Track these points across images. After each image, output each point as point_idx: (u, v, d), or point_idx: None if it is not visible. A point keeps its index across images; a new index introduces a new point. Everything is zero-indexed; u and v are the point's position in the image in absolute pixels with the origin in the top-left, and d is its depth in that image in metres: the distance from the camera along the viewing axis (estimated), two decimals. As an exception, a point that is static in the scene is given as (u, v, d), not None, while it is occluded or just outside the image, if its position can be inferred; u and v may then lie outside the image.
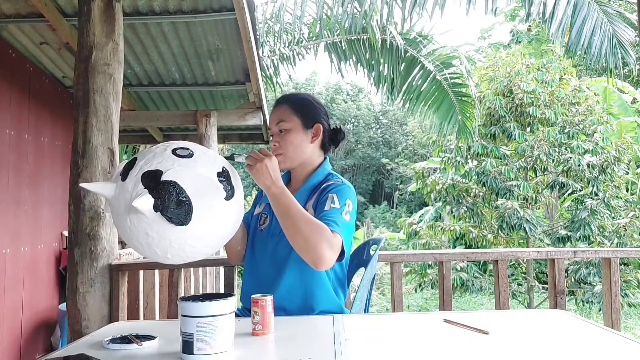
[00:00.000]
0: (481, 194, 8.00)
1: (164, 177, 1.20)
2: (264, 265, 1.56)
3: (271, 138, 1.62)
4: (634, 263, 8.09)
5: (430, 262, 7.47)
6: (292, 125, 1.57)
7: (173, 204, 1.19)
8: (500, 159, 7.95)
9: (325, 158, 1.67)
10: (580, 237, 7.40)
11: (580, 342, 1.19)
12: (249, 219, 1.68)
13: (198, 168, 1.25)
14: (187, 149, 1.29)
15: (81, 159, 2.26)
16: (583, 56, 5.40)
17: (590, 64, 5.54)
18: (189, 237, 1.22)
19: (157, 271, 2.86)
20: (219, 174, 1.27)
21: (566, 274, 7.03)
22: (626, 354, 1.09)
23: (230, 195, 1.28)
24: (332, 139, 1.67)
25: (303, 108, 1.60)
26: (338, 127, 1.68)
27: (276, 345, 1.21)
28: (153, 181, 1.19)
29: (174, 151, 1.26)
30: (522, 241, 7.93)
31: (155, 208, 1.18)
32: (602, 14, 5.31)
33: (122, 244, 5.10)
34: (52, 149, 4.11)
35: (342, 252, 1.43)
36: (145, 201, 1.16)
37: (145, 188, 1.18)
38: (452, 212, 8.31)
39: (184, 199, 1.20)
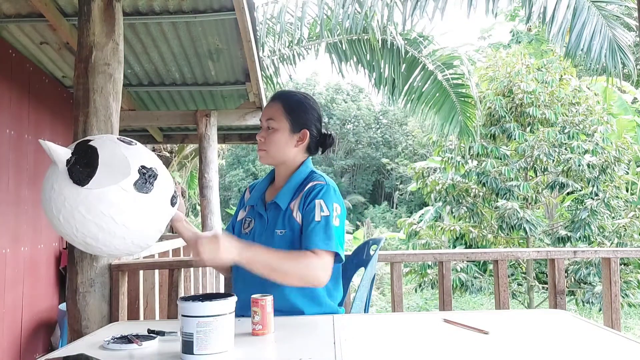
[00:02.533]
0: (481, 194, 8.00)
1: (91, 143, 1.33)
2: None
3: (260, 130, 1.65)
4: (634, 263, 8.08)
5: (430, 262, 7.48)
6: (280, 126, 1.59)
7: (82, 163, 1.29)
8: (501, 159, 7.95)
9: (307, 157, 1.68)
10: (580, 237, 7.40)
11: (580, 342, 1.19)
12: (232, 227, 1.71)
13: (127, 152, 1.33)
14: (133, 142, 1.40)
15: (81, 159, 2.25)
16: (583, 56, 5.41)
17: (590, 66, 5.56)
18: (81, 202, 1.26)
19: (157, 271, 2.86)
20: (143, 167, 1.32)
21: (566, 274, 7.03)
22: (626, 354, 1.09)
23: (141, 186, 1.30)
24: (321, 143, 1.67)
25: (295, 111, 1.61)
26: (329, 133, 1.68)
27: (276, 345, 1.21)
28: (82, 145, 1.34)
29: (119, 138, 1.40)
30: (522, 241, 7.93)
31: (67, 162, 1.29)
32: (602, 18, 5.33)
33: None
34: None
35: (338, 256, 1.48)
36: (62, 152, 1.30)
37: (74, 149, 1.33)
38: (452, 212, 8.31)
39: (93, 162, 1.28)
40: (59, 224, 1.31)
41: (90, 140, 1.36)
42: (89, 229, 1.29)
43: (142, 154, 1.38)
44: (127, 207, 1.29)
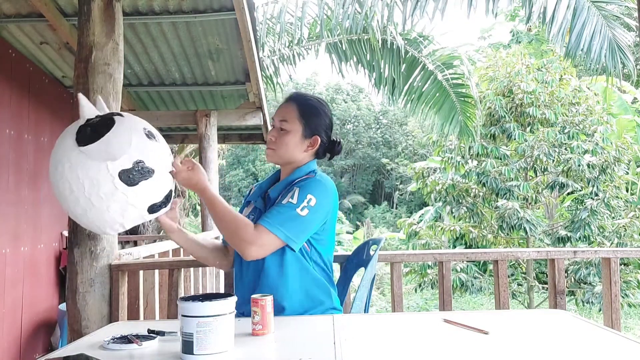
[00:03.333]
0: (481, 194, 8.00)
1: (115, 117, 1.37)
2: (246, 266, 1.58)
3: (271, 127, 1.65)
4: (634, 263, 8.09)
5: (430, 262, 7.48)
6: (292, 128, 1.59)
7: (94, 128, 1.34)
8: (501, 159, 7.95)
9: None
10: (580, 237, 7.40)
11: (580, 342, 1.19)
12: None
13: (138, 142, 1.34)
14: (157, 137, 1.41)
15: (81, 159, 2.25)
16: (583, 57, 5.41)
17: (590, 66, 5.56)
18: (68, 158, 1.34)
19: (157, 271, 2.86)
20: (141, 162, 1.33)
21: (566, 274, 7.03)
22: (626, 354, 1.09)
23: (126, 176, 1.31)
24: (329, 150, 1.68)
25: (309, 116, 1.61)
26: (337, 140, 1.68)
27: (276, 345, 1.21)
28: (108, 115, 1.39)
29: (146, 128, 1.41)
30: (522, 241, 7.93)
31: (87, 121, 1.37)
32: (602, 18, 5.33)
33: (122, 244, 5.11)
34: (52, 148, 4.10)
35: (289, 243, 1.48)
36: (89, 111, 1.39)
37: (101, 115, 1.39)
38: (452, 212, 8.31)
39: (101, 133, 1.31)
40: (51, 168, 1.41)
41: (119, 115, 1.39)
42: (64, 186, 1.36)
43: (152, 151, 1.37)
44: (102, 187, 1.32)
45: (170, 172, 1.44)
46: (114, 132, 1.34)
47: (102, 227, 1.41)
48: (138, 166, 1.33)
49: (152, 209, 1.40)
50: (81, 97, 1.43)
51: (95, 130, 1.34)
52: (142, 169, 1.33)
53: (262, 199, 1.64)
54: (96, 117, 1.39)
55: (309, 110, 1.61)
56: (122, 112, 1.44)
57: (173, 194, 1.48)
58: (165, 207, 1.45)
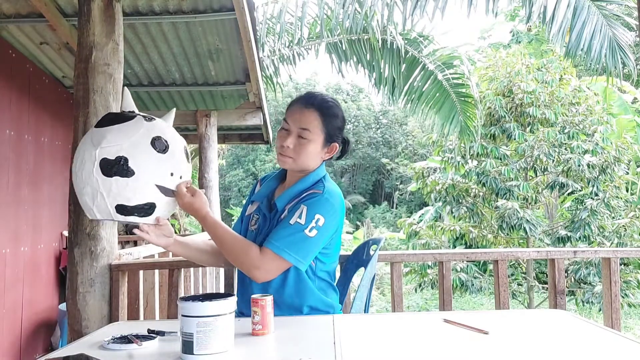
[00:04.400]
0: (481, 194, 8.00)
1: (142, 115, 1.46)
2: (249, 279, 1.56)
3: (284, 131, 1.55)
4: (634, 263, 8.09)
5: (430, 262, 7.47)
6: (314, 138, 1.52)
7: (112, 117, 1.44)
8: (500, 159, 7.94)
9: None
10: (580, 237, 7.40)
11: (580, 342, 1.19)
12: (241, 220, 1.71)
13: (137, 141, 1.38)
14: (166, 147, 1.41)
15: (81, 159, 2.25)
16: (583, 56, 5.41)
17: (590, 66, 5.56)
18: (86, 134, 1.45)
19: (157, 271, 2.86)
20: (124, 159, 1.35)
21: (566, 274, 7.03)
22: (626, 354, 1.09)
23: (105, 165, 1.35)
24: (341, 151, 1.64)
25: (331, 124, 1.55)
26: (347, 139, 1.65)
27: (276, 345, 1.21)
28: (138, 114, 1.46)
29: (157, 138, 1.41)
30: (522, 241, 7.92)
31: (113, 112, 1.53)
32: (602, 17, 5.32)
33: (122, 244, 5.11)
34: (52, 149, 4.11)
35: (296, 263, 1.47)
36: (127, 104, 1.51)
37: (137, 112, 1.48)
38: (452, 212, 8.31)
39: (115, 121, 1.41)
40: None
41: (150, 119, 1.44)
42: (75, 157, 1.44)
43: (144, 159, 1.37)
44: (85, 167, 1.37)
45: (173, 194, 1.43)
46: (122, 126, 1.39)
47: (83, 206, 1.45)
48: (120, 162, 1.35)
49: (122, 210, 1.38)
50: (125, 91, 1.53)
51: (112, 119, 1.43)
52: (122, 166, 1.35)
53: (268, 202, 1.62)
54: (130, 111, 1.47)
55: (330, 118, 1.55)
56: (156, 118, 1.47)
57: (157, 211, 1.43)
58: (142, 217, 1.42)
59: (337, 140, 1.59)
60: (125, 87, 1.54)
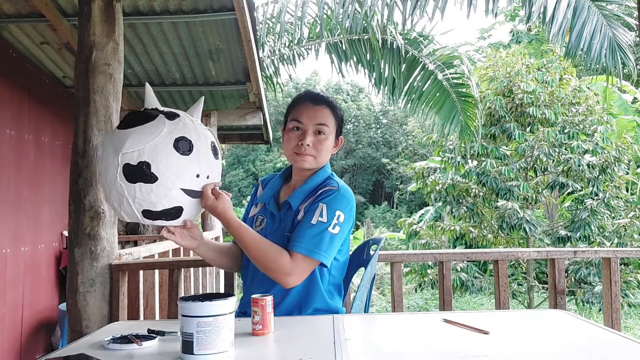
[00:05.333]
0: (481, 194, 8.00)
1: (169, 113, 1.41)
2: (257, 281, 1.57)
3: (296, 131, 1.55)
4: (634, 263, 8.08)
5: (430, 262, 7.48)
6: (330, 132, 1.57)
7: (133, 117, 1.39)
8: (501, 159, 7.95)
9: None
10: (580, 237, 7.40)
11: (580, 342, 1.19)
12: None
13: (160, 146, 1.33)
14: (189, 149, 1.36)
15: (81, 159, 2.26)
16: (583, 57, 5.41)
17: (590, 66, 5.56)
18: (107, 135, 1.45)
19: (157, 271, 2.86)
20: (146, 165, 1.32)
21: (566, 274, 7.04)
22: (626, 354, 1.09)
23: (127, 171, 1.32)
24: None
25: (340, 118, 1.62)
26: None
27: (276, 345, 1.21)
28: (163, 111, 1.40)
29: (181, 139, 1.36)
30: (522, 241, 7.93)
31: (135, 111, 1.42)
32: (602, 17, 5.33)
33: (122, 244, 5.11)
34: (53, 148, 4.11)
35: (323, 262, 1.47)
36: (150, 102, 1.45)
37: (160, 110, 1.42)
38: (452, 212, 8.31)
39: (135, 123, 1.36)
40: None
41: (174, 116, 1.39)
42: (101, 154, 1.43)
43: (167, 163, 1.33)
44: (109, 172, 1.35)
45: (200, 195, 1.40)
46: (144, 127, 1.34)
47: (112, 208, 1.45)
48: (142, 167, 1.31)
49: (149, 214, 1.37)
50: (147, 87, 1.47)
51: (132, 120, 1.38)
52: (145, 171, 1.31)
53: (275, 202, 1.62)
54: (153, 109, 1.41)
55: (339, 112, 1.62)
56: (181, 114, 1.41)
57: (185, 213, 1.40)
58: (170, 221, 1.40)
59: (341, 134, 1.64)
60: (147, 84, 1.48)
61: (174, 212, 1.38)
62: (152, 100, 1.44)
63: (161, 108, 1.42)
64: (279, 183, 1.67)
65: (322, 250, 1.44)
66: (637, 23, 5.30)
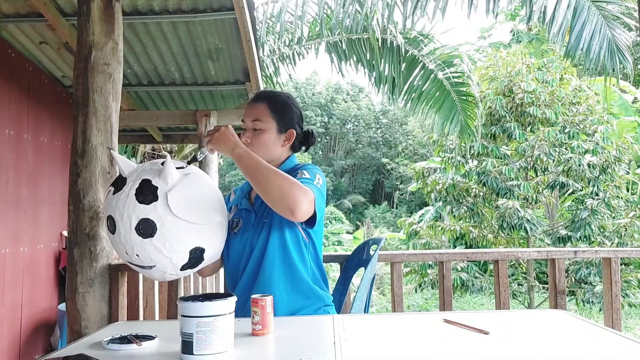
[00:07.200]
0: (482, 193, 8.00)
1: (183, 169, 1.45)
2: (242, 267, 1.56)
3: (243, 131, 1.63)
4: (635, 263, 8.09)
5: (430, 262, 7.48)
6: (267, 127, 1.59)
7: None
8: (501, 158, 7.95)
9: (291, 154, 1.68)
10: (580, 237, 7.40)
11: (580, 342, 1.18)
12: None
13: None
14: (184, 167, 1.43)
15: (81, 159, 2.25)
16: (583, 56, 5.41)
17: (589, 66, 5.57)
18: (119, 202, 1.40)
19: (156, 271, 2.85)
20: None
21: (566, 274, 7.03)
22: (626, 354, 1.08)
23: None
24: (304, 141, 1.68)
25: (281, 111, 1.61)
26: (310, 131, 1.69)
27: (276, 345, 1.20)
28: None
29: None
30: (522, 241, 7.93)
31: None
32: (601, 18, 5.33)
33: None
34: (52, 148, 4.10)
35: (314, 218, 1.41)
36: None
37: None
38: (452, 212, 8.31)
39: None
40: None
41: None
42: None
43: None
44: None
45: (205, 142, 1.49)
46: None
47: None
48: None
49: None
50: (114, 155, 1.52)
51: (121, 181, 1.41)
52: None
53: (248, 200, 1.63)
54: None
55: (279, 105, 1.61)
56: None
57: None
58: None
59: (293, 128, 1.62)
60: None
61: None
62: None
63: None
64: (248, 185, 1.67)
65: (314, 190, 1.41)
66: (637, 24, 5.30)
